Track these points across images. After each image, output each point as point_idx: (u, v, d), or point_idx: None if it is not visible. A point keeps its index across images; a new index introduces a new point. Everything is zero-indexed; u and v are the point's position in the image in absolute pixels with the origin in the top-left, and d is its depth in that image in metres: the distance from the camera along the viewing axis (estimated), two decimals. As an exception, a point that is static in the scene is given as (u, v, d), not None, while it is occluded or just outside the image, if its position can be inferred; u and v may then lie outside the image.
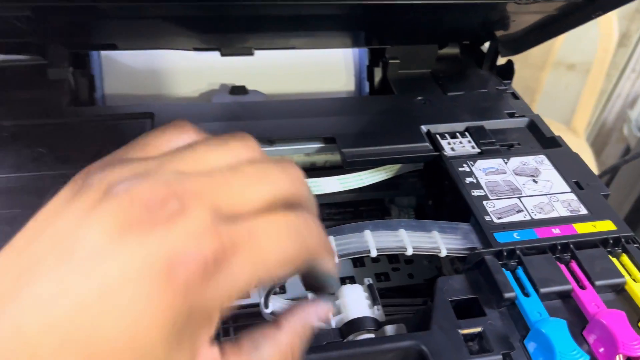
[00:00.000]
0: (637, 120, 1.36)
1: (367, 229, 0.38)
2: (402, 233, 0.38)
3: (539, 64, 1.33)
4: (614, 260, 0.39)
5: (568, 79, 1.46)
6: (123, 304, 0.17)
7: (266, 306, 0.38)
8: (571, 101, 1.43)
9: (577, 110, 1.43)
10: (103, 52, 0.55)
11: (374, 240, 0.37)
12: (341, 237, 0.37)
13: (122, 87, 0.55)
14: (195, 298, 0.19)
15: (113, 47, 0.51)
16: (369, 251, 0.36)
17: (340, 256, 0.36)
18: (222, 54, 0.53)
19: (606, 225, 0.40)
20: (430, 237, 0.38)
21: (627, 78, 1.41)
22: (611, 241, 0.39)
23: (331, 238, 0.37)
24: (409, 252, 0.37)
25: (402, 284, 0.48)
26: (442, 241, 0.38)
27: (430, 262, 0.50)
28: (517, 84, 0.58)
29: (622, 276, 0.37)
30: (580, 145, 1.22)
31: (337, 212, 0.54)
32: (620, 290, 0.37)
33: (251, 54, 0.54)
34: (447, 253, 0.38)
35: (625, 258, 0.39)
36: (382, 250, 0.36)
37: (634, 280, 0.37)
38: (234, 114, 0.50)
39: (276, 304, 0.39)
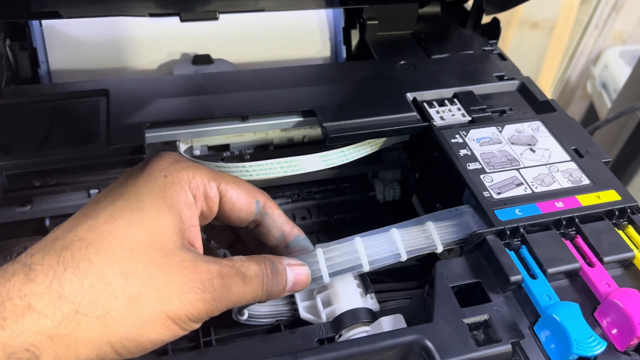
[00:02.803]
0: (600, 77, 1.36)
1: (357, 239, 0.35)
2: (395, 233, 0.35)
3: (504, 23, 1.31)
4: (620, 232, 0.36)
5: (532, 37, 1.44)
6: None
7: (241, 314, 0.35)
8: (536, 60, 1.42)
9: (542, 69, 1.42)
10: (45, 22, 0.48)
11: (365, 253, 0.34)
12: (330, 251, 0.34)
13: (70, 61, 0.49)
14: None
15: (56, 15, 0.45)
16: (361, 265, 0.34)
17: (331, 274, 0.33)
18: (182, 20, 0.47)
19: (610, 196, 0.38)
20: (425, 231, 0.36)
21: (590, 35, 1.40)
22: (617, 212, 0.37)
23: (319, 250, 0.34)
24: (403, 257, 0.34)
25: (394, 266, 0.45)
26: (436, 232, 0.35)
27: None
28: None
29: (631, 250, 0.35)
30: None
31: (319, 191, 0.50)
32: (628, 265, 0.35)
33: (215, 18, 0.48)
34: (444, 248, 0.35)
35: (631, 230, 0.37)
36: (374, 263, 0.34)
37: (642, 253, 0.35)
38: (198, 87, 0.45)
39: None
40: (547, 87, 1.43)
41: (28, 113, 0.41)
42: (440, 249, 0.35)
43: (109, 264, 0.25)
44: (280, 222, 0.34)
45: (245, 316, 0.35)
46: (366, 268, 0.34)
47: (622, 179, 0.91)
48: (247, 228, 0.35)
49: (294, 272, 0.32)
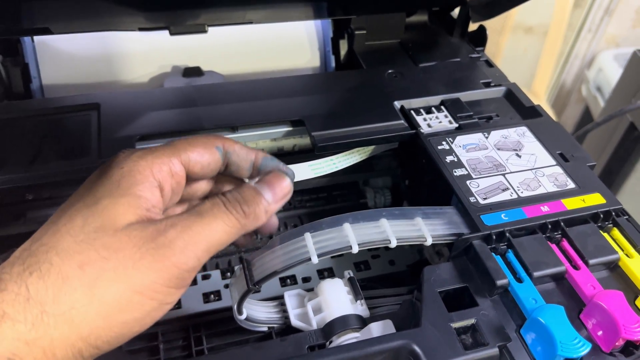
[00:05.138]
0: (595, 81, 1.37)
1: (346, 222, 0.34)
2: (384, 223, 0.35)
3: (497, 29, 1.32)
4: (606, 235, 0.37)
5: (526, 42, 1.45)
6: None
7: (240, 313, 0.35)
8: (530, 65, 1.42)
9: (536, 74, 1.43)
10: (37, 38, 0.49)
11: (354, 234, 0.34)
12: (319, 233, 0.34)
13: (62, 76, 0.49)
14: None
15: (46, 31, 0.45)
16: (350, 247, 0.33)
17: (319, 255, 0.32)
18: (172, 33, 0.48)
19: (595, 199, 0.38)
20: (414, 225, 0.35)
21: (584, 39, 1.41)
22: (601, 215, 0.37)
23: (307, 235, 0.33)
24: (393, 244, 0.34)
25: (384, 273, 0.46)
26: (426, 228, 0.35)
27: (411, 247, 0.48)
28: (477, 50, 0.55)
29: (616, 252, 0.35)
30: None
31: (310, 199, 0.50)
32: (614, 267, 0.36)
33: (204, 31, 0.49)
34: (433, 241, 0.35)
35: (616, 232, 0.37)
36: (364, 245, 0.33)
37: (627, 255, 0.36)
38: (189, 99, 0.45)
39: (250, 307, 0.36)
40: (542, 92, 1.43)
41: (20, 128, 0.42)
42: (429, 241, 0.35)
43: (66, 261, 0.26)
44: (244, 154, 0.33)
45: (244, 316, 0.35)
46: (355, 249, 0.33)
47: (614, 182, 0.91)
48: (221, 175, 0.34)
49: (269, 182, 0.31)
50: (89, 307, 0.25)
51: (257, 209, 0.30)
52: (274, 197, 0.31)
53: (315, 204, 0.50)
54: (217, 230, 0.29)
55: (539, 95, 1.40)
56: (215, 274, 0.44)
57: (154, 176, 0.30)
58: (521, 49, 1.43)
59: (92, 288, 0.25)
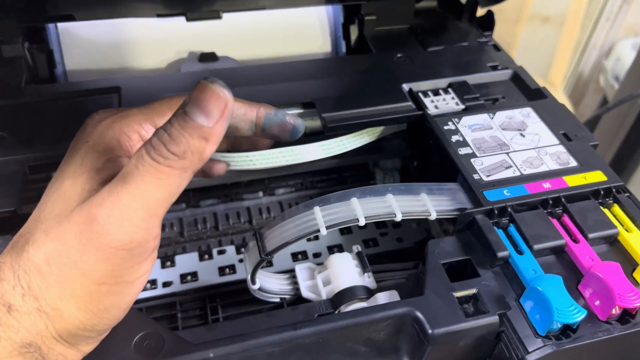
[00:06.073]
0: (613, 70, 1.35)
1: (353, 196, 0.36)
2: (390, 198, 0.36)
3: (513, 18, 1.31)
4: (606, 211, 0.38)
5: (543, 32, 1.44)
6: None
7: (253, 282, 0.37)
8: (547, 54, 1.41)
9: (553, 63, 1.42)
10: (60, 25, 0.51)
11: (361, 208, 0.35)
12: (328, 207, 0.35)
13: (84, 62, 0.52)
14: None
15: (70, 18, 0.48)
16: (357, 220, 0.35)
17: (328, 227, 0.34)
18: (188, 19, 0.50)
19: (596, 176, 0.39)
20: (419, 201, 0.37)
21: (602, 27, 1.39)
22: (602, 192, 0.38)
23: (317, 209, 0.35)
24: (399, 217, 0.35)
25: (392, 249, 0.47)
26: (431, 204, 0.37)
27: (418, 225, 0.49)
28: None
29: (615, 227, 0.36)
30: (558, 98, 1.21)
31: (321, 180, 0.52)
32: (613, 242, 0.37)
33: (219, 17, 0.51)
34: (437, 216, 0.36)
35: (616, 208, 0.38)
36: (370, 218, 0.35)
37: (626, 230, 0.37)
38: (205, 83, 0.47)
39: (263, 279, 0.38)
40: (559, 82, 1.42)
41: (46, 110, 0.44)
42: (434, 216, 0.36)
43: (37, 255, 0.24)
44: (241, 114, 0.30)
45: (257, 286, 0.37)
46: (362, 222, 0.35)
47: (626, 167, 0.92)
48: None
49: (196, 100, 0.25)
50: (68, 303, 0.25)
51: (193, 143, 0.24)
52: (209, 117, 0.24)
53: (326, 185, 0.52)
54: (150, 190, 0.24)
55: (556, 86, 1.39)
56: (230, 249, 0.46)
57: (121, 146, 0.27)
58: (538, 39, 1.42)
59: (62, 285, 0.24)
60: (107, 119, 0.28)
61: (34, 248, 0.25)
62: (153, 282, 0.42)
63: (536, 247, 0.35)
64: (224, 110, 0.25)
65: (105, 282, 0.25)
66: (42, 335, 0.25)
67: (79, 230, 0.24)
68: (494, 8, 0.56)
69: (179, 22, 0.52)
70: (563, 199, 0.38)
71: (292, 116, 0.32)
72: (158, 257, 0.44)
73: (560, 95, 1.27)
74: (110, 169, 0.27)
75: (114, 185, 0.24)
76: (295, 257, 0.46)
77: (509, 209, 0.37)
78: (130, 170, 0.24)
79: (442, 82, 0.48)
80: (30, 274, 0.24)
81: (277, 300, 0.39)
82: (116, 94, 0.46)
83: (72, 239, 0.24)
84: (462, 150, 0.41)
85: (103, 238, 0.24)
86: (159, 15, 0.49)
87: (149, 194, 0.24)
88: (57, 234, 0.24)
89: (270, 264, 0.45)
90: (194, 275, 0.44)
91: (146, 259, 0.26)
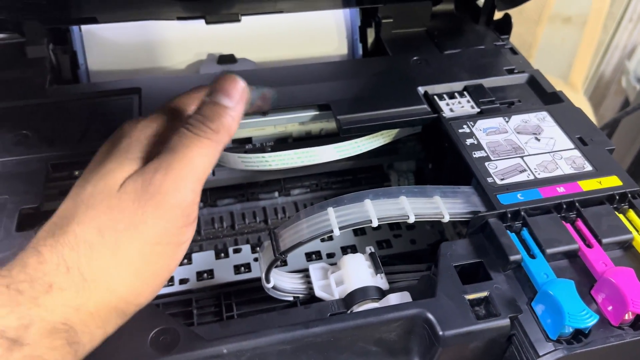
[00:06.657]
0: (636, 72, 1.33)
1: (367, 198, 0.37)
2: (404, 200, 0.37)
3: (534, 19, 1.30)
4: (621, 216, 0.38)
5: (564, 32, 1.42)
6: None
7: (267, 281, 0.37)
8: (568, 55, 1.40)
9: (574, 64, 1.40)
10: (84, 27, 0.52)
11: (375, 209, 0.36)
12: (341, 208, 0.36)
13: (106, 63, 0.53)
14: None
15: (93, 20, 0.49)
16: (370, 221, 0.35)
17: (341, 228, 0.35)
18: (208, 22, 0.51)
19: (612, 181, 0.39)
20: (432, 203, 0.37)
21: (625, 28, 1.37)
22: (617, 197, 0.38)
23: (330, 210, 0.36)
24: (412, 219, 0.36)
25: (405, 251, 0.48)
26: (444, 206, 0.37)
27: (432, 227, 0.50)
28: (513, 39, 0.56)
29: (630, 232, 0.36)
30: (578, 100, 1.20)
31: (336, 181, 0.53)
32: (627, 247, 0.37)
33: (238, 20, 0.52)
34: (450, 218, 0.37)
35: (632, 214, 0.38)
36: (383, 220, 0.35)
37: (641, 235, 0.37)
38: (223, 85, 0.48)
39: (277, 278, 0.39)
40: (580, 83, 1.41)
41: (69, 110, 0.46)
42: (447, 218, 0.36)
43: (86, 229, 0.27)
44: None
45: (271, 284, 0.37)
46: (375, 223, 0.35)
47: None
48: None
49: (221, 88, 0.30)
50: (119, 269, 0.27)
51: (224, 120, 0.30)
52: (232, 100, 0.30)
53: (341, 186, 0.52)
54: (196, 158, 0.29)
55: (577, 87, 1.37)
56: (246, 248, 0.47)
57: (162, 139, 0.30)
58: (559, 40, 1.41)
59: (115, 251, 0.27)
60: (143, 120, 0.32)
61: (81, 226, 0.27)
62: (170, 279, 0.43)
63: (549, 251, 0.35)
64: (242, 93, 0.31)
65: (159, 242, 0.28)
66: (80, 311, 0.26)
67: (135, 196, 0.27)
68: (515, 9, 0.56)
69: (198, 25, 0.53)
70: (577, 204, 0.37)
71: (266, 89, 0.36)
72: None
73: (581, 97, 1.26)
74: (150, 158, 0.30)
75: (163, 156, 0.28)
76: (309, 257, 0.47)
77: (522, 213, 0.37)
78: (175, 144, 0.29)
79: (458, 85, 0.48)
80: (79, 250, 0.26)
81: (291, 298, 0.40)
82: (137, 94, 0.47)
83: (129, 205, 0.27)
84: (477, 154, 0.41)
85: (161, 197, 0.27)
86: (179, 18, 0.50)
87: (194, 161, 0.28)
88: (110, 206, 0.27)
89: (284, 263, 0.46)
90: (210, 273, 0.45)
91: (192, 222, 0.29)
